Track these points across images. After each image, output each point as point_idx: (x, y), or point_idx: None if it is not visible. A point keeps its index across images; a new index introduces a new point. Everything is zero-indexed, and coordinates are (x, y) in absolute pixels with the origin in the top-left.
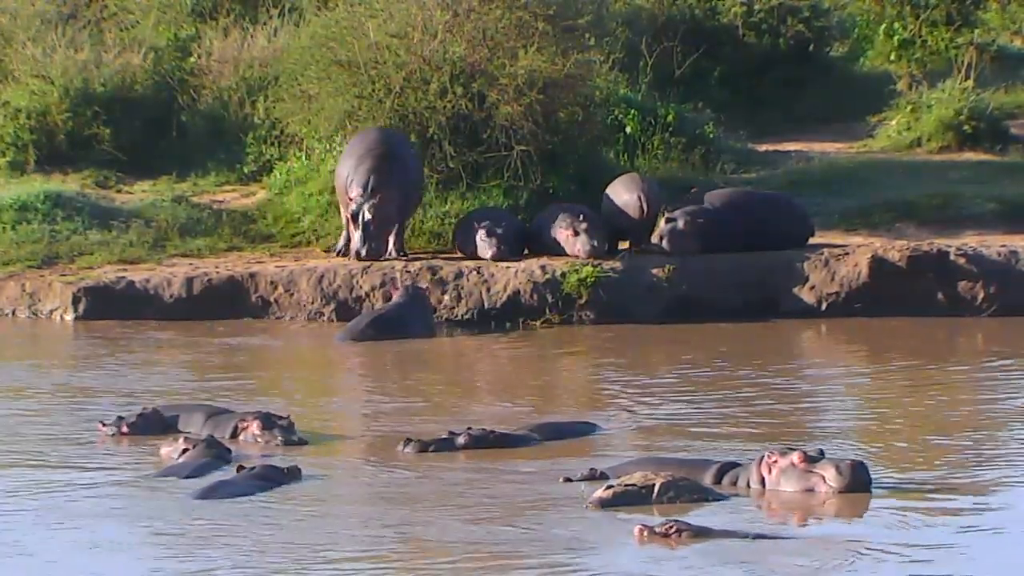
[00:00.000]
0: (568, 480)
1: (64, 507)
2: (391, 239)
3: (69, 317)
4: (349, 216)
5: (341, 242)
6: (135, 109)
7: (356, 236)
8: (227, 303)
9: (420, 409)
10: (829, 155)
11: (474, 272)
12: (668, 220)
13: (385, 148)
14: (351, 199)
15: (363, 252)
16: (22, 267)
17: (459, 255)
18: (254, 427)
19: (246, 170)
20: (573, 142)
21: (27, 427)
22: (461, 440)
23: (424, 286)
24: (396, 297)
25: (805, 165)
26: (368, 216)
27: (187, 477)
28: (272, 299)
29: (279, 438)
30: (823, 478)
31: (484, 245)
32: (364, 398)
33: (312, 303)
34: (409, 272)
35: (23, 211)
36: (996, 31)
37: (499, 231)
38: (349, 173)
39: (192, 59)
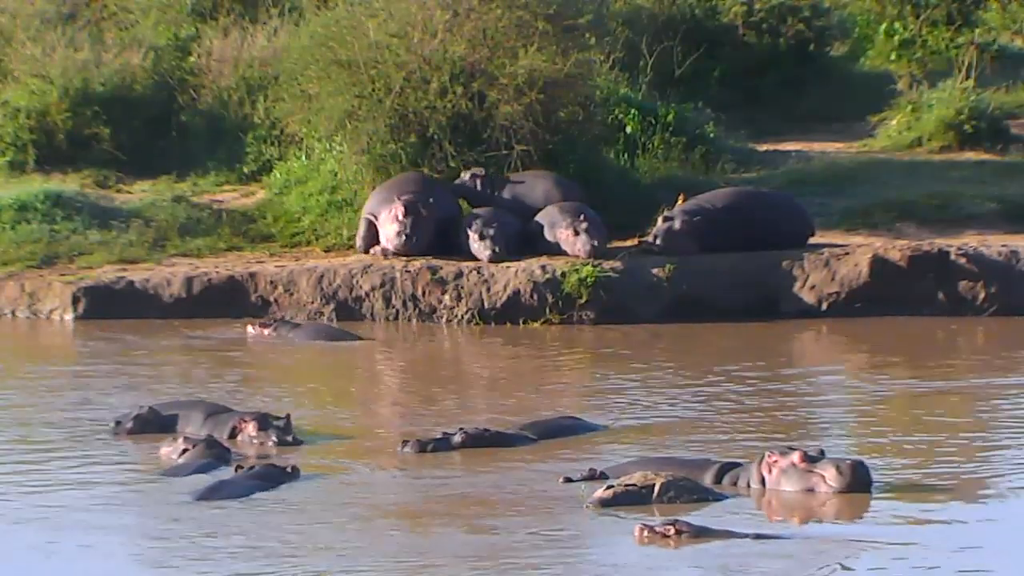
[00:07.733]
0: (568, 480)
1: (63, 508)
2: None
3: (69, 317)
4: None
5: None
6: (135, 109)
7: (395, 229)
8: (227, 303)
9: (420, 409)
10: (829, 155)
11: (474, 272)
12: (665, 219)
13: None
14: (400, 199)
15: (402, 246)
16: (22, 267)
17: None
18: (250, 427)
19: (246, 170)
20: (573, 142)
21: (26, 428)
22: (457, 439)
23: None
24: (297, 326)
25: (805, 165)
26: (420, 212)
27: (187, 476)
28: (272, 299)
29: (274, 438)
30: (823, 478)
31: (479, 247)
32: (363, 398)
33: (312, 303)
34: (409, 272)
35: (23, 211)
36: (996, 31)
37: (492, 232)
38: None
39: (192, 59)
